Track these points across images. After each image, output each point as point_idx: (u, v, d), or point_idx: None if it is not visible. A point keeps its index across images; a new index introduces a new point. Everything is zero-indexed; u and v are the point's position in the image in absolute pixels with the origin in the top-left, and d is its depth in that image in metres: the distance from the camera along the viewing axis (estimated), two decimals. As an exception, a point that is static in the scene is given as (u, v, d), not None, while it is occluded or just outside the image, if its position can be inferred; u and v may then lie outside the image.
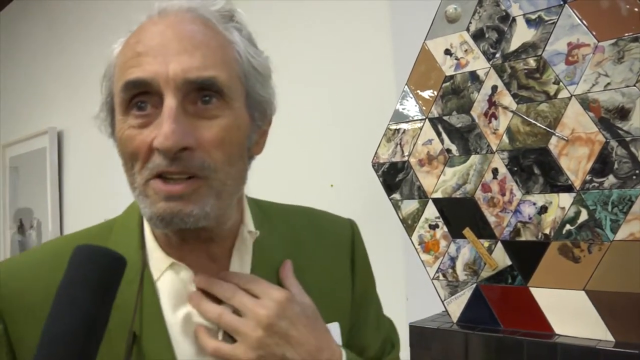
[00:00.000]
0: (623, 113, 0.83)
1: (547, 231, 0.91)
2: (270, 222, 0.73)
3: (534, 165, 0.92)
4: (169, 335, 0.61)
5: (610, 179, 0.84)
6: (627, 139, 0.83)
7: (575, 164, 0.88)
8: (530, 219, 0.92)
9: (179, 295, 0.63)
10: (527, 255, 0.93)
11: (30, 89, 3.02)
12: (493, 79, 0.97)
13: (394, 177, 1.09)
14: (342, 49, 1.52)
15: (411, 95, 1.08)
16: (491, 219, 0.97)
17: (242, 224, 0.68)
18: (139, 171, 0.57)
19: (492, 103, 0.97)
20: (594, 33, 0.87)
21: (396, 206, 1.09)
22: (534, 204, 0.92)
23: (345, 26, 1.52)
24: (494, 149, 0.97)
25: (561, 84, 0.90)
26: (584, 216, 0.87)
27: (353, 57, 1.50)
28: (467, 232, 0.99)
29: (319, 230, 0.78)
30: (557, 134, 0.90)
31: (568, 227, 0.88)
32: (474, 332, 0.96)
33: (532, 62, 0.93)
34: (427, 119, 1.06)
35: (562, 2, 0.90)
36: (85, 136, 2.43)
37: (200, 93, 0.57)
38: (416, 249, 1.07)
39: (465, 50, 1.01)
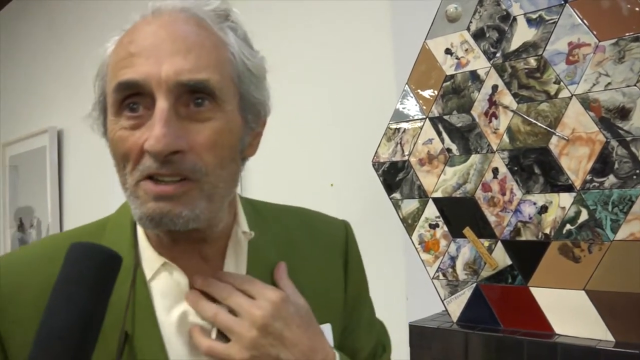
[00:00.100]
0: (623, 113, 0.83)
1: (547, 231, 0.90)
2: (264, 222, 0.73)
3: (535, 164, 0.92)
4: (162, 335, 0.61)
5: (611, 179, 0.84)
6: (628, 139, 0.82)
7: (575, 163, 0.88)
8: (530, 218, 0.92)
9: (172, 295, 0.63)
10: (527, 255, 0.93)
11: (30, 88, 3.02)
12: (493, 79, 0.97)
13: (394, 177, 1.09)
14: (342, 48, 1.52)
15: (411, 94, 1.08)
16: (491, 219, 0.97)
17: (235, 225, 0.68)
18: (130, 172, 0.57)
19: (492, 102, 0.97)
20: (595, 33, 0.86)
21: (396, 205, 1.09)
22: (535, 203, 0.92)
23: (345, 26, 1.52)
24: (495, 148, 0.96)
25: (562, 83, 0.89)
26: (584, 216, 0.87)
27: (353, 57, 1.50)
28: (467, 231, 0.99)
29: (312, 231, 0.78)
30: (557, 134, 0.90)
31: (568, 226, 0.88)
32: (474, 331, 0.96)
33: (532, 62, 0.93)
34: (427, 119, 1.06)
35: (562, 2, 0.90)
36: (85, 135, 2.42)
37: (193, 95, 0.56)
38: (416, 249, 1.07)
39: (466, 50, 1.01)
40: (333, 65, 1.54)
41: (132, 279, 0.61)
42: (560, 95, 0.90)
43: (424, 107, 1.06)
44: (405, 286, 1.36)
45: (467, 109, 1.00)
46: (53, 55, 2.82)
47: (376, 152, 1.12)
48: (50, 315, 0.48)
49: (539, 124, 0.92)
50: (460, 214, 1.00)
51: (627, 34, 0.83)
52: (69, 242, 0.52)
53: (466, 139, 1.00)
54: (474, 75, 1.00)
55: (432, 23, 1.06)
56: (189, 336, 0.62)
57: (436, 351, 1.00)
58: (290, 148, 1.64)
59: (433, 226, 1.04)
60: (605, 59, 0.85)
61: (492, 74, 0.97)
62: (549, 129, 0.90)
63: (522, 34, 0.94)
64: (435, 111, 1.05)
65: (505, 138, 0.95)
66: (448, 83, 1.03)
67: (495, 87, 0.97)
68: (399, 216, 1.09)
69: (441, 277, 1.04)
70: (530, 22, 0.94)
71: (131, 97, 0.56)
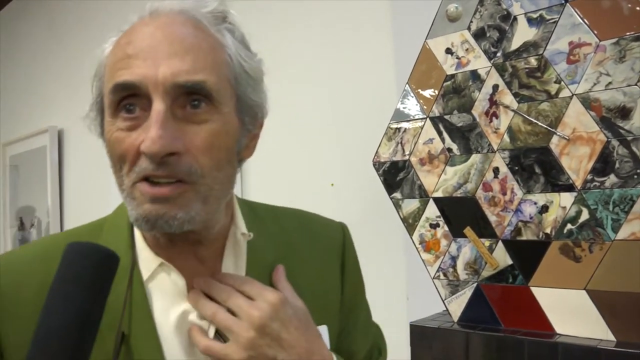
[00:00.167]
0: (624, 112, 0.83)
1: (548, 230, 0.90)
2: (262, 224, 0.73)
3: (535, 164, 0.92)
4: (158, 335, 0.62)
5: (612, 179, 0.84)
6: (629, 139, 0.82)
7: (576, 163, 0.88)
8: (531, 218, 0.92)
9: (170, 295, 0.63)
10: (528, 255, 0.93)
11: (30, 88, 3.02)
12: (494, 78, 0.97)
13: (394, 176, 1.09)
14: (343, 48, 1.52)
15: (412, 94, 1.08)
16: (492, 218, 0.97)
17: (233, 226, 0.68)
18: (127, 174, 0.57)
19: (493, 102, 0.97)
20: (596, 32, 0.86)
21: (397, 205, 1.09)
22: (535, 203, 0.92)
23: (346, 26, 1.51)
24: (495, 148, 0.96)
25: (562, 83, 0.89)
26: (585, 215, 0.87)
27: (354, 57, 1.49)
28: (468, 231, 0.99)
29: (310, 233, 0.78)
30: (558, 133, 0.90)
31: (569, 226, 0.88)
32: (474, 331, 0.96)
33: (533, 61, 0.93)
34: (428, 118, 1.06)
35: (563, 1, 0.90)
36: (86, 135, 2.40)
37: (190, 97, 0.57)
38: (417, 248, 1.07)
39: (467, 49, 1.01)
40: (333, 65, 1.54)
41: (129, 279, 0.62)
42: (561, 95, 0.89)
43: (425, 107, 1.06)
44: (406, 286, 1.36)
45: (468, 109, 1.00)
46: (53, 55, 2.82)
47: (377, 151, 1.12)
48: (48, 315, 0.49)
49: (540, 123, 0.91)
50: (461, 213, 1.00)
51: (627, 34, 0.83)
52: (67, 241, 0.52)
53: (467, 138, 1.00)
54: (475, 75, 1.00)
55: (433, 23, 1.06)
56: (188, 335, 0.62)
57: (437, 351, 1.00)
58: (291, 148, 1.64)
59: (434, 226, 1.04)
60: (606, 58, 0.85)
61: (493, 73, 0.97)
62: (549, 128, 0.90)
63: (523, 33, 0.94)
64: (436, 111, 1.05)
65: (506, 138, 0.95)
66: (449, 83, 1.03)
67: (495, 87, 0.97)
68: (400, 216, 1.09)
69: (442, 276, 1.03)
70: (530, 21, 0.94)
71: (128, 99, 0.56)
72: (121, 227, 0.66)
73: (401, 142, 1.09)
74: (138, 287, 0.62)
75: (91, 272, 0.50)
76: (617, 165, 0.83)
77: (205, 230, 0.63)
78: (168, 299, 0.63)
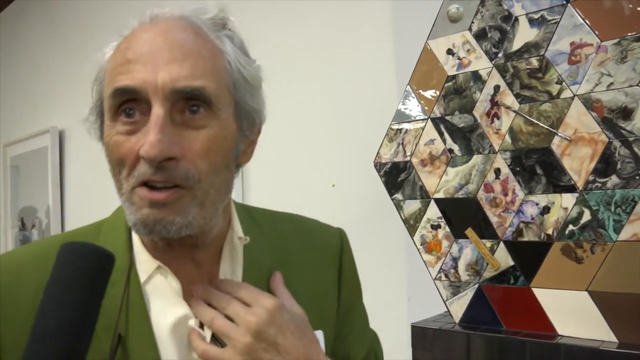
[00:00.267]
0: (626, 113, 0.83)
1: (549, 231, 0.90)
2: (259, 228, 0.73)
3: (537, 165, 0.92)
4: (155, 337, 0.62)
5: (613, 179, 0.84)
6: (630, 139, 0.82)
7: (578, 164, 0.87)
8: (532, 219, 0.92)
9: (166, 298, 0.64)
10: (529, 256, 0.93)
11: (31, 88, 3.02)
12: (495, 79, 0.97)
13: (396, 177, 1.09)
14: (344, 49, 1.52)
15: (413, 95, 1.08)
16: (493, 219, 0.96)
17: (230, 230, 0.68)
18: (126, 178, 0.58)
19: (494, 103, 0.97)
20: (597, 33, 0.86)
21: (398, 206, 1.09)
22: (537, 204, 0.92)
23: (347, 26, 1.51)
24: (497, 149, 0.96)
25: (564, 83, 0.89)
26: (586, 216, 0.87)
27: (355, 57, 1.49)
28: (469, 232, 0.99)
29: (308, 238, 0.78)
30: (559, 134, 0.89)
31: (571, 227, 0.88)
32: (476, 332, 0.96)
33: (534, 62, 0.93)
34: (429, 119, 1.05)
35: (564, 2, 0.90)
36: (87, 136, 2.42)
37: (189, 102, 0.57)
38: (418, 249, 1.07)
39: (468, 50, 1.01)
40: (334, 65, 1.54)
41: (126, 280, 0.62)
42: (563, 96, 0.89)
43: (426, 108, 1.06)
44: (407, 287, 1.35)
45: (469, 110, 1.00)
46: (54, 56, 2.82)
47: (378, 152, 1.12)
48: (43, 315, 0.49)
49: (541, 124, 0.91)
50: (462, 214, 1.00)
51: (629, 34, 0.83)
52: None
53: (468, 139, 1.00)
54: (476, 76, 1.00)
55: (434, 23, 1.06)
56: (187, 339, 0.63)
57: (438, 352, 0.99)
58: (292, 148, 1.64)
59: (435, 227, 1.04)
60: (608, 59, 0.85)
61: (494, 74, 0.97)
62: (551, 129, 0.90)
63: (524, 34, 0.94)
64: (437, 112, 1.04)
65: (508, 138, 0.95)
66: (450, 83, 1.03)
67: (497, 88, 0.97)
68: (401, 217, 1.09)
69: (443, 277, 1.03)
70: (532, 22, 0.94)
71: (127, 103, 0.57)
72: (119, 229, 0.66)
73: (402, 143, 1.09)
74: (135, 289, 0.63)
75: (85, 272, 0.50)
76: (618, 166, 0.83)
77: (203, 234, 0.64)
78: (164, 302, 0.64)
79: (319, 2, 1.58)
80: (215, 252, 0.68)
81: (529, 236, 0.93)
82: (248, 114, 0.63)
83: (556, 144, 0.90)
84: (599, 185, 0.85)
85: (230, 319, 0.62)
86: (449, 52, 1.03)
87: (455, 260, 1.02)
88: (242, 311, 0.62)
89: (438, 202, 1.03)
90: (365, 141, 1.31)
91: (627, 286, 0.82)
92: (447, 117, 1.03)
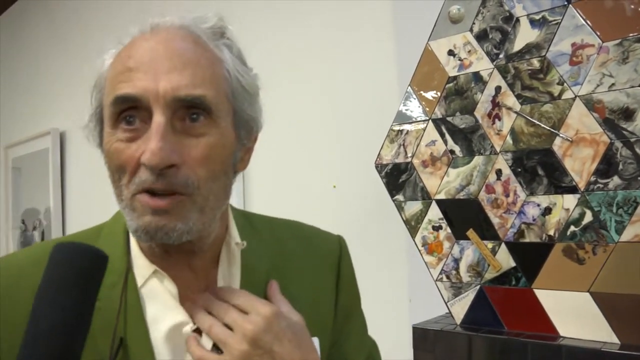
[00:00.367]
0: (628, 114, 0.83)
1: (551, 232, 0.90)
2: (257, 233, 0.74)
3: (538, 166, 0.92)
4: (151, 341, 0.63)
5: (615, 180, 0.84)
6: (632, 140, 0.82)
7: (579, 165, 0.87)
8: (534, 220, 0.92)
9: (162, 302, 0.64)
10: (531, 257, 0.92)
11: (32, 90, 3.03)
12: (496, 80, 0.97)
13: (397, 179, 1.09)
14: (345, 50, 1.52)
15: (414, 96, 1.08)
16: (495, 220, 0.96)
17: (227, 236, 0.69)
18: (126, 185, 0.58)
19: (495, 104, 0.97)
20: (598, 33, 0.86)
21: (399, 207, 1.09)
22: (538, 205, 0.92)
23: (347, 26, 1.51)
24: (498, 150, 0.96)
25: (565, 84, 0.89)
26: (588, 217, 0.86)
27: (356, 58, 1.49)
28: (470, 233, 0.99)
29: (306, 244, 0.78)
30: (561, 135, 0.89)
31: (572, 228, 0.88)
32: (477, 334, 0.95)
33: (536, 63, 0.93)
34: (430, 120, 1.05)
35: (566, 3, 0.90)
36: (88, 137, 2.42)
37: (189, 110, 0.58)
38: (419, 251, 1.06)
39: (469, 51, 1.01)
40: (335, 65, 1.54)
41: (123, 283, 0.63)
42: (564, 97, 0.89)
43: (427, 109, 1.06)
44: (408, 288, 1.35)
45: (470, 111, 1.00)
46: (55, 57, 2.82)
47: (379, 153, 1.12)
48: (36, 316, 0.48)
49: (543, 125, 0.91)
50: (464, 215, 1.00)
51: (631, 35, 0.83)
52: None
53: (469, 140, 1.00)
54: (477, 77, 0.99)
55: (435, 24, 1.06)
56: (181, 344, 0.63)
57: (439, 353, 0.99)
58: (293, 149, 1.64)
59: (436, 228, 1.04)
60: (609, 59, 0.85)
61: (495, 75, 0.97)
62: (552, 130, 0.90)
63: (525, 35, 0.94)
64: (438, 112, 1.04)
65: (509, 139, 0.95)
66: (451, 84, 1.03)
67: (498, 89, 0.97)
68: (402, 218, 1.09)
69: (444, 279, 1.03)
70: (533, 23, 0.93)
71: (128, 111, 0.58)
72: (117, 233, 0.67)
73: (403, 144, 1.08)
74: (132, 293, 0.63)
75: (78, 272, 0.50)
76: (620, 166, 0.83)
77: (200, 240, 0.64)
78: (160, 307, 0.64)
79: (319, 2, 1.58)
80: (212, 257, 0.68)
81: (530, 237, 0.92)
82: (246, 122, 0.64)
83: (557, 145, 0.90)
84: (601, 186, 0.85)
85: (229, 327, 0.63)
86: (450, 53, 1.03)
87: (457, 261, 1.01)
88: (239, 319, 0.62)
89: (439, 203, 1.03)
90: (365, 142, 1.31)
91: (629, 287, 0.82)
92: (448, 118, 1.03)
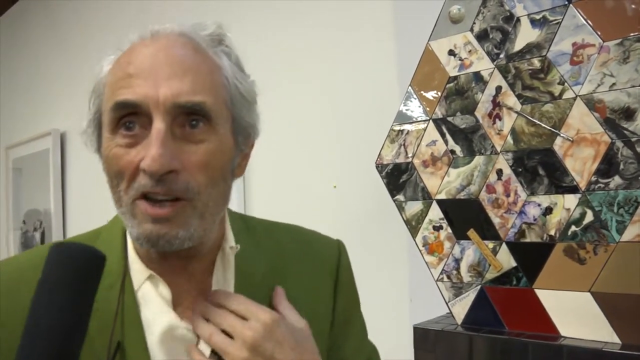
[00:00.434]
0: (629, 113, 0.83)
1: (552, 232, 0.90)
2: (255, 236, 0.74)
3: (539, 166, 0.91)
4: (147, 346, 0.63)
5: (616, 180, 0.84)
6: (633, 140, 0.82)
7: (580, 164, 0.87)
8: (535, 220, 0.92)
9: (157, 306, 0.64)
10: (532, 257, 0.92)
11: (32, 91, 3.03)
12: (497, 80, 0.97)
13: (397, 179, 1.09)
14: (345, 50, 1.52)
15: (415, 96, 1.08)
16: (496, 220, 0.96)
17: (223, 240, 0.69)
18: (125, 190, 0.58)
19: (496, 104, 0.97)
20: (599, 33, 0.86)
21: (400, 207, 1.09)
22: (539, 205, 0.91)
23: (347, 26, 1.51)
24: (499, 149, 0.96)
25: (566, 84, 0.89)
26: (589, 217, 0.86)
27: (356, 58, 1.49)
28: (471, 233, 0.98)
29: (305, 248, 0.78)
30: (562, 135, 0.89)
31: (573, 228, 0.88)
32: (478, 334, 0.95)
33: (536, 63, 0.92)
34: (431, 120, 1.05)
35: (566, 2, 0.90)
36: (88, 138, 2.42)
37: (189, 117, 0.58)
38: (420, 251, 1.06)
39: (469, 51, 1.01)
40: (335, 65, 1.54)
41: (120, 286, 0.63)
42: (565, 96, 0.89)
43: (428, 109, 1.06)
44: (409, 288, 1.35)
45: (471, 110, 1.00)
46: (55, 57, 2.83)
47: (379, 153, 1.12)
48: (34, 316, 0.48)
49: (543, 125, 0.91)
50: (464, 215, 1.00)
51: (631, 34, 0.83)
52: None
53: (470, 140, 1.00)
54: (478, 77, 0.99)
55: (435, 24, 1.05)
56: (177, 349, 0.63)
57: (440, 354, 0.99)
58: (293, 149, 1.64)
59: (437, 228, 1.04)
60: (610, 59, 0.85)
61: (496, 75, 0.97)
62: (553, 130, 0.90)
63: (526, 34, 0.94)
64: (439, 112, 1.04)
65: (509, 139, 0.95)
66: (451, 84, 1.03)
67: (499, 88, 0.97)
68: (403, 218, 1.08)
69: (445, 279, 1.03)
70: (533, 22, 0.93)
71: (128, 116, 0.58)
72: (115, 237, 0.67)
73: (404, 144, 1.08)
74: (129, 296, 0.63)
75: (75, 272, 0.50)
76: (621, 166, 0.83)
77: (198, 245, 0.64)
78: (155, 310, 0.64)
79: (319, 2, 1.58)
80: (209, 262, 0.68)
81: (531, 237, 0.92)
82: (244, 128, 0.64)
83: (558, 145, 0.89)
84: (602, 186, 0.85)
85: (228, 334, 0.63)
86: (451, 53, 1.03)
87: (458, 261, 1.01)
88: (239, 325, 0.62)
89: (440, 203, 1.03)
90: (366, 142, 1.30)
91: (630, 287, 0.82)
92: (449, 118, 1.03)
